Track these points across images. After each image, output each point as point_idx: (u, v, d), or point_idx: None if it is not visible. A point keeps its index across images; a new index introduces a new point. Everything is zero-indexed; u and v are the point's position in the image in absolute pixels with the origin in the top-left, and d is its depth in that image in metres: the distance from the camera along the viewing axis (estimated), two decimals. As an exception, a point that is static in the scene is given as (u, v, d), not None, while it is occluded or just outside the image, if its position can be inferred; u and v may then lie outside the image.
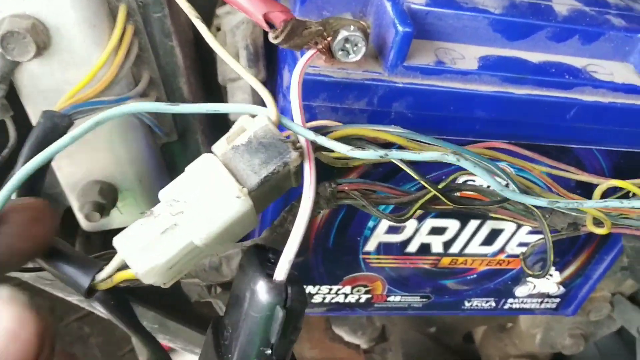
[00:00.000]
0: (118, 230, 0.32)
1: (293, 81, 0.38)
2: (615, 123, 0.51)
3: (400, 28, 0.42)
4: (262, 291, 0.32)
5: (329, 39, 0.41)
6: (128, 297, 0.53)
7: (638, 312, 0.79)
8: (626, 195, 0.49)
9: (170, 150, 0.54)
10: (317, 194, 0.42)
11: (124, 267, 0.33)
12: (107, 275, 0.33)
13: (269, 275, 0.33)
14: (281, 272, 0.32)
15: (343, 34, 0.41)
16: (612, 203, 0.42)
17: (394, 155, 0.36)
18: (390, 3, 0.44)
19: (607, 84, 0.49)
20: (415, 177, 0.40)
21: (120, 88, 0.45)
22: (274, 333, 0.32)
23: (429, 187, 0.42)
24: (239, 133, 0.35)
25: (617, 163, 0.55)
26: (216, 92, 0.56)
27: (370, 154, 0.35)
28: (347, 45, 0.41)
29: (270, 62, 0.53)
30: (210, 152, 0.35)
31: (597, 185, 0.48)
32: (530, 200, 0.40)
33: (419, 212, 0.45)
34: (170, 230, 0.32)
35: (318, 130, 0.38)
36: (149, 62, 0.47)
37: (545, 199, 0.40)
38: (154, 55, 0.47)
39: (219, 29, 0.51)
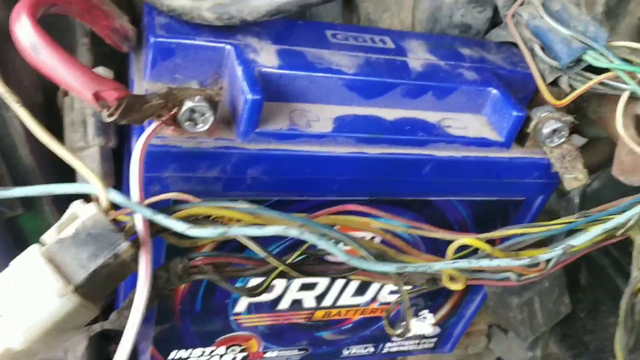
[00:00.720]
0: None
1: (133, 159, 0.36)
2: (470, 175, 0.52)
3: (249, 96, 0.41)
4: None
5: (175, 110, 0.40)
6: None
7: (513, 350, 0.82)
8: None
9: (18, 223, 0.51)
10: (168, 270, 0.41)
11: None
12: None
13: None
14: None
15: (188, 104, 0.40)
16: (461, 264, 0.43)
17: (235, 232, 0.35)
18: (241, 67, 0.43)
19: (460, 138, 0.51)
20: (260, 252, 0.39)
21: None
22: None
23: (274, 263, 0.41)
24: (71, 220, 0.33)
25: (476, 212, 0.57)
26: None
27: (210, 232, 0.34)
28: (194, 116, 0.40)
29: (123, 126, 0.51)
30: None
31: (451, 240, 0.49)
32: (378, 267, 0.40)
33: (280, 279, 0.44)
34: (-11, 336, 0.29)
35: (161, 205, 0.37)
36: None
37: (394, 265, 0.40)
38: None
39: (66, 93, 0.49)
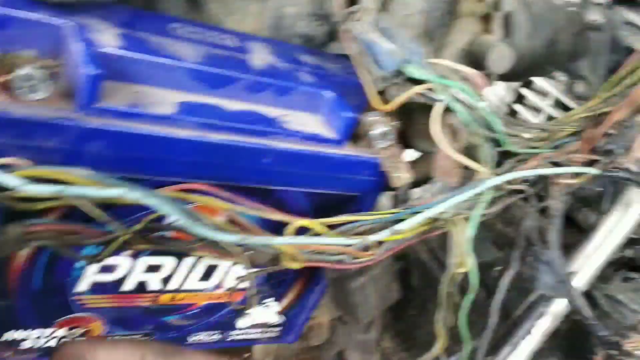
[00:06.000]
0: None
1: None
2: (306, 167, 0.54)
3: (88, 70, 0.41)
4: None
5: (8, 76, 0.38)
6: None
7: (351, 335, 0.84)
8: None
9: None
10: (4, 234, 0.38)
11: None
12: None
13: None
14: None
15: (22, 71, 0.38)
16: (298, 240, 0.44)
17: (73, 191, 0.33)
18: (81, 44, 0.42)
19: (297, 133, 0.53)
20: (99, 217, 0.38)
21: None
22: None
23: (116, 229, 0.40)
24: None
25: (315, 204, 0.58)
26: None
27: (45, 189, 0.33)
28: (30, 83, 0.39)
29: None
30: None
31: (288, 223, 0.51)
32: (220, 236, 0.40)
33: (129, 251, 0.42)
34: None
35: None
36: None
37: (237, 236, 0.41)
38: None
39: None
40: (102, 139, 0.43)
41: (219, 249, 0.48)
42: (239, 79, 0.50)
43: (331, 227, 0.53)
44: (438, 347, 0.61)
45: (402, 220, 0.55)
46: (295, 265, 0.51)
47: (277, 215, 0.50)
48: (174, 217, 0.38)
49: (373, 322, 0.69)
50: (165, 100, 0.47)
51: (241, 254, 0.48)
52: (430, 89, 0.55)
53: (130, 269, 0.55)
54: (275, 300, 0.69)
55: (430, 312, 0.92)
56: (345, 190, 0.59)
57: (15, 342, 0.55)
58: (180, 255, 0.57)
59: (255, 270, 0.53)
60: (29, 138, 0.41)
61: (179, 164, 0.48)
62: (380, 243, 0.56)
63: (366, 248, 0.55)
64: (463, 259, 0.57)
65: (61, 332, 0.57)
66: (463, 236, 0.56)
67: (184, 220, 0.39)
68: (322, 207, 0.59)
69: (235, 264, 0.61)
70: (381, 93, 0.58)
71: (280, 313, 0.71)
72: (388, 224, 0.55)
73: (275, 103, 0.53)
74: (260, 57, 0.54)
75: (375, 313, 0.65)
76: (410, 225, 0.53)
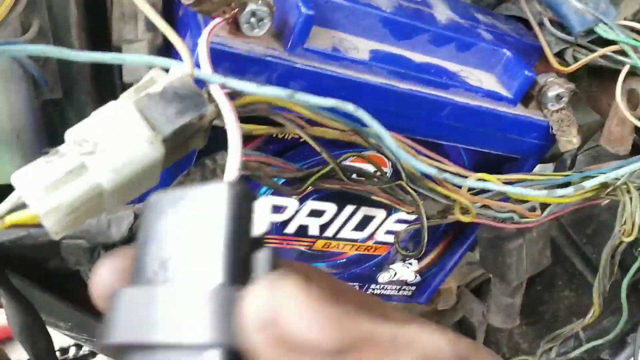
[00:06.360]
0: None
1: (202, 40, 0.36)
2: (480, 124, 0.54)
3: (303, 10, 0.42)
4: (224, 188, 0.25)
5: (236, 10, 0.40)
6: None
7: (479, 304, 0.85)
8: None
9: (52, 108, 0.50)
10: (215, 161, 0.41)
11: (18, 207, 0.30)
12: (-2, 215, 0.30)
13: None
14: (232, 171, 0.29)
15: (251, 7, 0.40)
16: (489, 185, 0.45)
17: (300, 97, 0.34)
18: (293, -14, 0.44)
19: (476, 88, 0.53)
20: (316, 147, 0.40)
21: (6, 34, 0.41)
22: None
23: (327, 159, 0.42)
24: (150, 84, 0.33)
25: (476, 162, 0.59)
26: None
27: (279, 92, 0.34)
28: (253, 20, 0.41)
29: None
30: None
31: (465, 177, 0.51)
32: (421, 167, 0.40)
33: (310, 188, 0.45)
34: (77, 171, 0.29)
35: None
36: (40, 10, 0.43)
37: (434, 168, 0.41)
38: (47, 4, 0.44)
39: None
40: (305, 79, 0.45)
41: (395, 197, 0.49)
42: (427, 31, 0.51)
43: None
44: (592, 314, 0.61)
45: (570, 184, 0.55)
46: (466, 219, 0.52)
47: (457, 169, 0.51)
48: (382, 135, 0.38)
49: (520, 287, 0.69)
50: (359, 47, 0.48)
51: (418, 201, 0.49)
52: (616, 52, 0.54)
53: (296, 211, 0.58)
54: (416, 258, 0.71)
55: (557, 290, 0.91)
56: (509, 151, 0.59)
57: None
58: (342, 203, 0.59)
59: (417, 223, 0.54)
60: (242, 72, 0.43)
61: (367, 109, 0.49)
62: (543, 207, 0.56)
63: (533, 209, 0.55)
64: (633, 228, 0.56)
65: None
66: (636, 204, 0.55)
67: (392, 144, 0.38)
68: (480, 167, 0.59)
69: (389, 217, 0.62)
70: (558, 55, 0.57)
71: (417, 272, 0.72)
72: (557, 186, 0.55)
73: (455, 58, 0.53)
74: (442, 11, 0.54)
75: (525, 277, 0.65)
76: (588, 187, 0.52)
